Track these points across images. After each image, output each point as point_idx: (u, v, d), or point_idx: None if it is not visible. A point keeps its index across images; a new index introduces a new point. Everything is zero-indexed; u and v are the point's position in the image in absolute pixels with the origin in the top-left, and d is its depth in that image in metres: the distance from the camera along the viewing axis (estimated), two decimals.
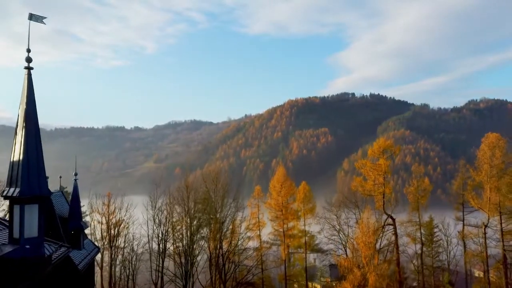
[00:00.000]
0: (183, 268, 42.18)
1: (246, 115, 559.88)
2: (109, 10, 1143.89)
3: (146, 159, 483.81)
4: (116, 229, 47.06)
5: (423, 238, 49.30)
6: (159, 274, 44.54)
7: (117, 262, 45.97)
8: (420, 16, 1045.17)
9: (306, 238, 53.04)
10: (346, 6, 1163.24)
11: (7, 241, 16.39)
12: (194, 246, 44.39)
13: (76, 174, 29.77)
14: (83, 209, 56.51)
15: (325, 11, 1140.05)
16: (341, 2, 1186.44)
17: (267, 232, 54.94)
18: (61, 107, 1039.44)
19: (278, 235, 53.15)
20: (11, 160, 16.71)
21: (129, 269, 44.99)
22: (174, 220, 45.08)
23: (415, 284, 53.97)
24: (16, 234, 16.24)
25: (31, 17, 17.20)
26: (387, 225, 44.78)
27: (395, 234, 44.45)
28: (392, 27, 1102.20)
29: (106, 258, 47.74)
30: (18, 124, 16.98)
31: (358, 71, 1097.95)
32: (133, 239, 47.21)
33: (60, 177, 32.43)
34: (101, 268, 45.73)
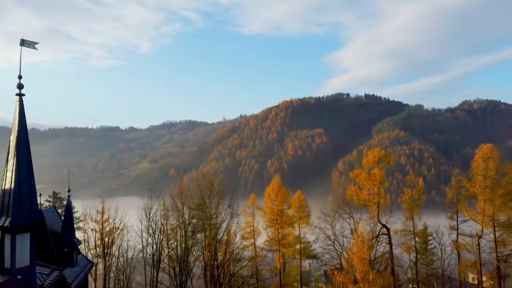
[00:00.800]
0: (178, 280, 41.91)
1: (241, 115, 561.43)
2: (104, 9, 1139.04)
3: (141, 159, 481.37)
4: (110, 238, 46.74)
5: (417, 246, 49.47)
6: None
7: (111, 275, 45.49)
8: (415, 16, 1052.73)
9: (301, 245, 53.11)
10: (342, 6, 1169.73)
11: None
12: (189, 256, 44.14)
13: (69, 190, 29.48)
14: (77, 214, 56.27)
15: (321, 11, 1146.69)
16: (337, 2, 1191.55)
17: (262, 241, 55.00)
18: (55, 106, 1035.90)
19: (274, 243, 53.21)
20: (2, 188, 16.48)
21: (123, 281, 44.60)
22: (169, 232, 44.72)
23: None
24: (7, 264, 15.99)
25: (23, 42, 16.98)
26: (381, 234, 44.83)
27: (390, 243, 44.52)
28: (388, 27, 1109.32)
29: (100, 266, 47.36)
30: (10, 151, 16.77)
31: (353, 71, 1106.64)
32: (128, 249, 46.78)
33: (53, 192, 32.08)
34: (95, 280, 45.34)
